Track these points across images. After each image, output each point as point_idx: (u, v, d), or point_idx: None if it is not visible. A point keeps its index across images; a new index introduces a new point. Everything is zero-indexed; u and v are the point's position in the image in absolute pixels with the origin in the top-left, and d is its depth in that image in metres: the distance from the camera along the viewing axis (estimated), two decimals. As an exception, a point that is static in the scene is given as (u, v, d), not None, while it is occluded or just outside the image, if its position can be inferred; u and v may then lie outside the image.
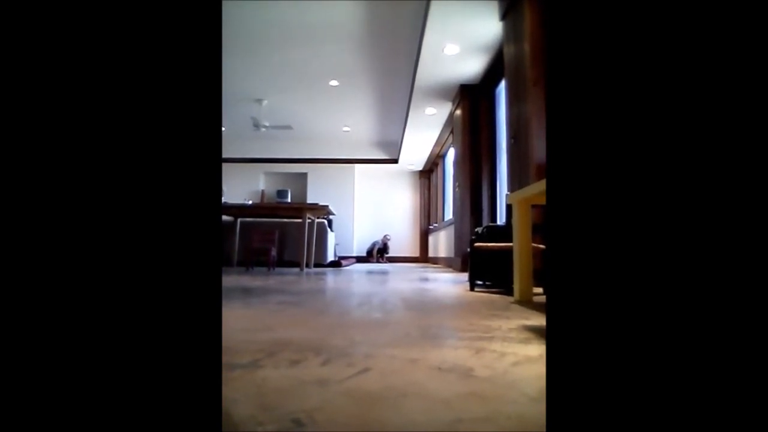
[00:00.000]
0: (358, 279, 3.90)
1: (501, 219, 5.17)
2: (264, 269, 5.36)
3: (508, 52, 3.80)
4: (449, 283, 3.37)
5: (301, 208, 5.39)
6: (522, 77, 3.40)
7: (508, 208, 2.73)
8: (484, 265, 2.61)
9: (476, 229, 2.71)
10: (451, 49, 4.72)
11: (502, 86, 5.19)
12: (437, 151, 8.95)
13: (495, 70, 5.04)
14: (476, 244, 2.57)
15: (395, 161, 10.08)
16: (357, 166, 10.33)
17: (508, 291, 2.67)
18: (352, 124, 8.69)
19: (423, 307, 1.86)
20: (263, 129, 7.80)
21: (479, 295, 2.46)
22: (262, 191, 10.27)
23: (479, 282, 2.95)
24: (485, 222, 5.36)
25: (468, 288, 2.84)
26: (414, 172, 11.02)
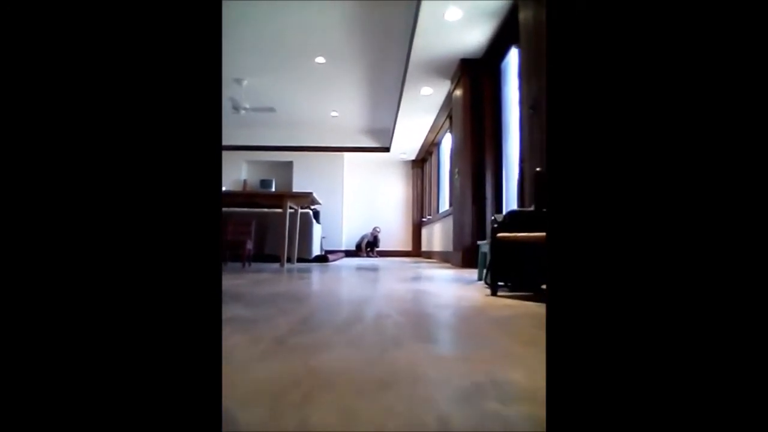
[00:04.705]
0: (345, 278, 3.31)
1: (507, 206, 4.61)
2: (239, 265, 4.73)
3: (525, 16, 3.26)
4: (456, 284, 2.79)
5: (281, 196, 4.78)
6: (542, 42, 2.87)
7: (536, 188, 2.15)
8: (509, 261, 2.02)
9: (494, 217, 2.13)
10: (453, 13, 4.12)
11: (509, 60, 4.63)
12: (432, 139, 8.38)
13: (502, 41, 4.46)
14: (500, 235, 1.97)
15: (387, 149, 9.49)
16: (346, 154, 9.72)
17: (540, 296, 2.09)
18: (340, 108, 8.07)
19: (440, 331, 1.27)
20: (243, 111, 7.15)
21: (509, 303, 1.81)
22: (245, 181, 9.63)
23: (500, 283, 2.35)
24: (489, 211, 4.80)
25: (487, 291, 2.24)
26: (406, 162, 10.45)
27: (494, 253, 2.00)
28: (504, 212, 4.64)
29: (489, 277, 2.15)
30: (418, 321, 1.36)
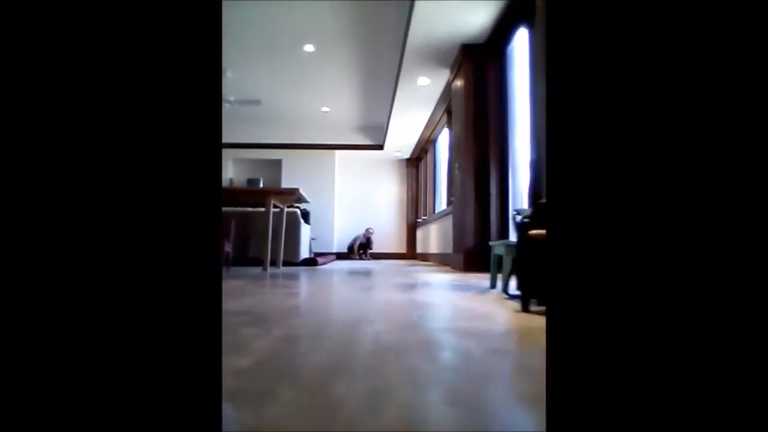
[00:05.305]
0: (333, 286, 2.85)
1: (514, 202, 4.18)
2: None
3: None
4: (467, 293, 2.34)
5: (265, 193, 4.30)
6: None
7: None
8: (539, 266, 1.56)
9: (514, 211, 1.69)
10: (456, -11, 3.69)
11: (515, 44, 4.21)
12: (428, 135, 7.95)
13: (508, 21, 4.04)
14: (533, 232, 1.52)
15: (380, 147, 9.03)
16: (338, 152, 9.25)
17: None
18: (331, 103, 7.61)
19: (484, 392, 0.82)
20: (227, 105, 6.68)
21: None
22: (231, 180, 9.12)
23: (517, 293, 1.90)
24: (493, 209, 4.37)
25: (510, 303, 1.80)
26: (401, 161, 10.00)
27: (524, 256, 1.55)
28: (511, 209, 4.20)
29: (513, 285, 1.70)
30: (438, 366, 0.91)
